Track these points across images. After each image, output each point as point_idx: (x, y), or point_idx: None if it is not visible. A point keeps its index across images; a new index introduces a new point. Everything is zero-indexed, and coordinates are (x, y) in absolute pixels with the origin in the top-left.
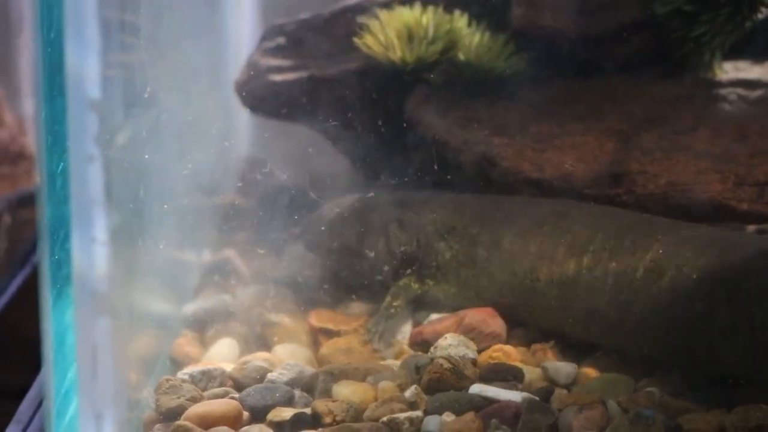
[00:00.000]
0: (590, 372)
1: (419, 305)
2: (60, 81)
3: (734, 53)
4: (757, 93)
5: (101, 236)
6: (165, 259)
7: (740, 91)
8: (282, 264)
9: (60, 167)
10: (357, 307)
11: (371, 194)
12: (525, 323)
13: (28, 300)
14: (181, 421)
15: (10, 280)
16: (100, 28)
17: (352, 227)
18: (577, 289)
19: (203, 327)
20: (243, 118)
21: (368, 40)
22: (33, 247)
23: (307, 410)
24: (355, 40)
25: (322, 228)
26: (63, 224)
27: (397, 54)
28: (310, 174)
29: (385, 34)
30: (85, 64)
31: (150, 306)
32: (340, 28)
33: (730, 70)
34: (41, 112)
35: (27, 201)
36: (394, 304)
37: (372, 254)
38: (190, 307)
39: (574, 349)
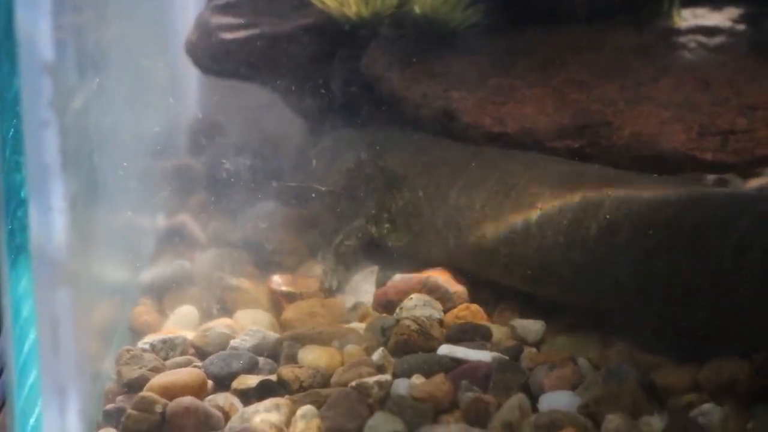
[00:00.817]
0: (558, 330)
1: (384, 264)
2: (8, 44)
3: (692, 0)
4: (716, 40)
5: (58, 204)
6: (120, 225)
7: (700, 38)
8: (239, 227)
9: (10, 133)
10: (318, 269)
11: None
12: (475, 277)
13: None
14: (144, 393)
15: None
16: None
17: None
18: (525, 246)
19: (161, 294)
20: (195, 78)
21: None
22: None
23: (273, 377)
24: None
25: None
26: (14, 193)
27: (352, 9)
28: (262, 133)
29: None
30: (37, 26)
31: (107, 274)
32: None
33: (689, 17)
34: None
35: None
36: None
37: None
38: (148, 275)
39: (540, 307)
